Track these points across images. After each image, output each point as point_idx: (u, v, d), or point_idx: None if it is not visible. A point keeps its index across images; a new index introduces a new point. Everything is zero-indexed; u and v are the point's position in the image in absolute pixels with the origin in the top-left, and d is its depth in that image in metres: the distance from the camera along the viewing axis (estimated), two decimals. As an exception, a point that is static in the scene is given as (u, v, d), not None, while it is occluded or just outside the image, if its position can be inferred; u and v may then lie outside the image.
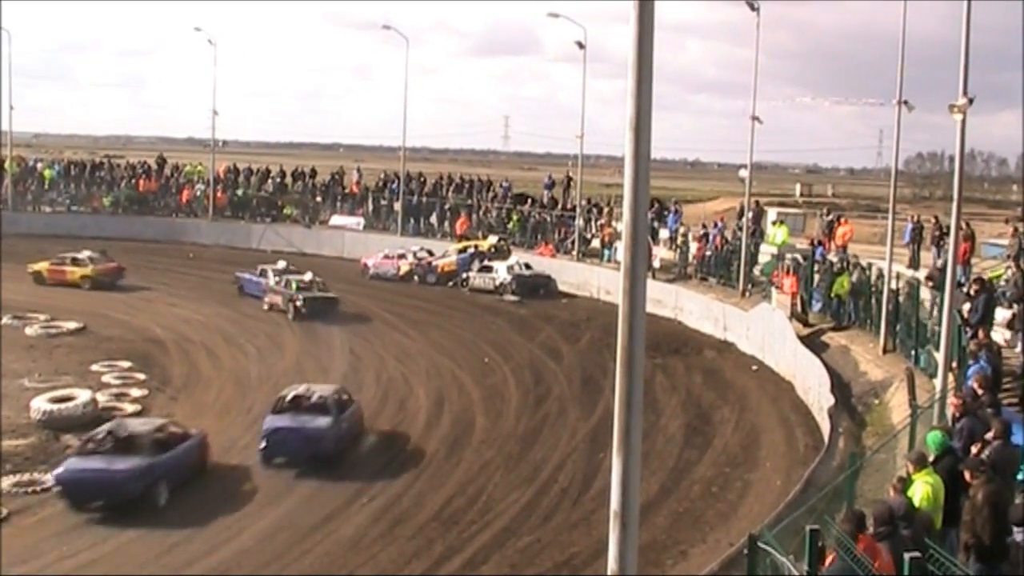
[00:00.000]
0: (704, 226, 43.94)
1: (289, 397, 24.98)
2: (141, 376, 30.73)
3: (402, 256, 48.88)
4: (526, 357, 33.99)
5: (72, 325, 36.55)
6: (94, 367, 31.35)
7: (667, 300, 39.73)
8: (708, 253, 41.48)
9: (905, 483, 11.38)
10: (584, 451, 24.86)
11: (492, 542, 19.86)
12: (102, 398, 27.93)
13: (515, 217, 51.67)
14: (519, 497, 22.04)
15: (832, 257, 35.07)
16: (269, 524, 20.68)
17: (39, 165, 64.94)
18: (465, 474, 23.50)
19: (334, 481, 22.95)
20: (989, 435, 12.72)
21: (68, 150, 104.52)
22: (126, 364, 31.81)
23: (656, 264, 41.13)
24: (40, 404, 26.24)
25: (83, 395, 27.11)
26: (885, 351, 27.85)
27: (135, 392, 29.18)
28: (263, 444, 23.80)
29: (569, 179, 55.00)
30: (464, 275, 46.14)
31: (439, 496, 22.09)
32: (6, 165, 61.08)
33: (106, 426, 22.91)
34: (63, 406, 26.22)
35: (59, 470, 21.49)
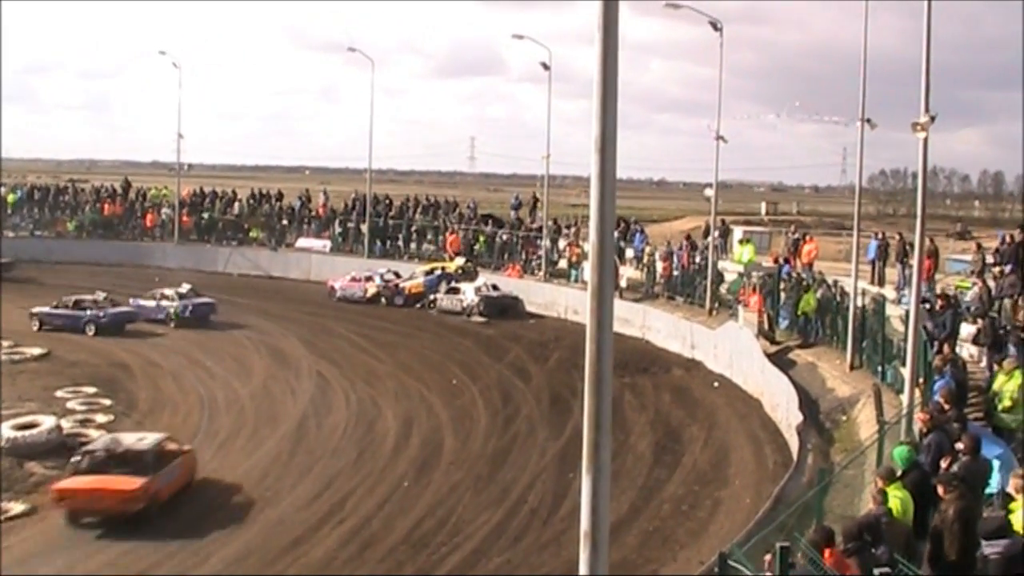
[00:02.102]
0: (668, 243, 44.06)
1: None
2: (107, 401, 30.49)
3: (369, 278, 48.76)
4: (494, 378, 33.95)
5: (36, 351, 36.24)
6: (59, 393, 31.06)
7: (634, 319, 39.81)
8: (675, 272, 41.62)
9: (885, 496, 11.44)
10: (553, 471, 24.83)
11: (462, 564, 19.81)
12: (67, 424, 27.68)
13: (482, 238, 51.70)
14: (489, 518, 21.98)
15: (794, 274, 35.22)
16: (238, 548, 20.53)
17: (2, 189, 64.36)
18: (434, 496, 23.41)
19: (302, 505, 22.84)
20: (959, 447, 12.80)
21: (31, 174, 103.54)
22: (91, 389, 31.55)
23: (623, 283, 41.20)
24: (4, 431, 25.95)
25: (48, 421, 26.87)
26: (852, 367, 28.00)
27: (100, 418, 28.94)
28: None
29: (536, 199, 55.12)
30: (431, 297, 46.10)
31: (409, 518, 21.99)
32: (-31, 190, 60.68)
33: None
34: (28, 433, 25.97)
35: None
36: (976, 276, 27.91)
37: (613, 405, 5.82)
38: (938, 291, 26.74)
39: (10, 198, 61.90)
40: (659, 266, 42.38)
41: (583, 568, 5.72)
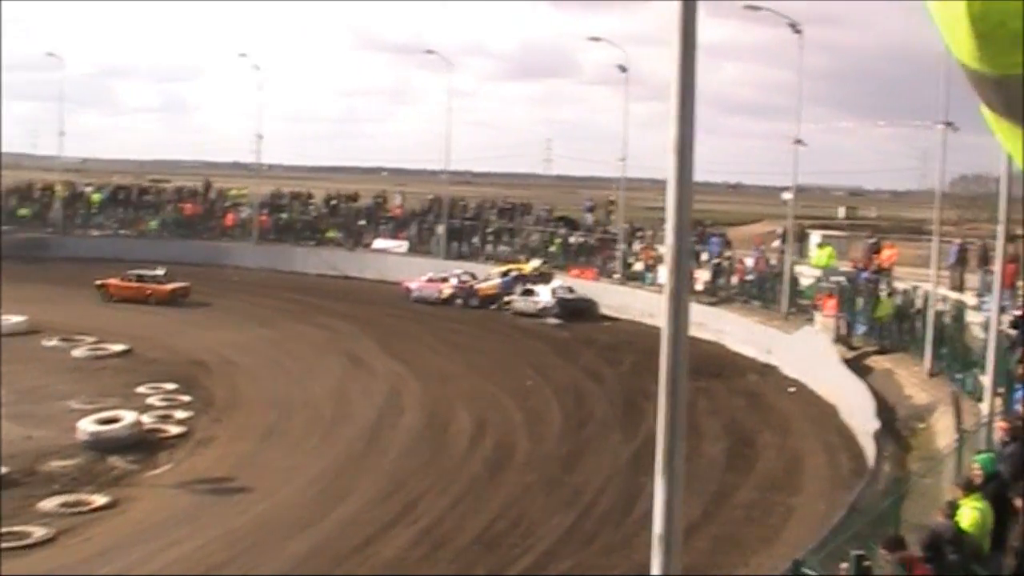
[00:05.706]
0: (727, 244, 43.84)
1: None
2: (186, 398, 30.96)
3: (445, 279, 48.98)
4: (568, 380, 33.93)
5: (118, 347, 36.89)
6: (139, 389, 31.62)
7: (709, 323, 39.47)
8: (750, 276, 41.29)
9: (953, 507, 11.26)
10: (626, 474, 24.73)
11: (533, 566, 19.79)
12: (147, 419, 28.17)
13: (557, 240, 51.70)
14: (561, 520, 21.95)
15: (870, 278, 34.78)
16: (308, 547, 20.71)
17: (87, 190, 65.73)
18: (506, 497, 23.43)
19: (374, 505, 22.98)
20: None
21: (116, 175, 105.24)
22: (171, 386, 32.06)
23: (698, 287, 40.94)
24: (86, 425, 26.50)
25: (128, 416, 27.38)
26: (930, 375, 27.59)
27: (180, 414, 29.40)
28: None
29: (611, 202, 55.05)
30: (506, 298, 46.19)
31: (480, 519, 22.03)
32: (56, 190, 62.01)
33: None
34: (109, 427, 26.50)
35: None
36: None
37: (686, 410, 5.80)
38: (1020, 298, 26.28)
39: (95, 198, 63.18)
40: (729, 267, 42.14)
41: (655, 571, 5.71)
